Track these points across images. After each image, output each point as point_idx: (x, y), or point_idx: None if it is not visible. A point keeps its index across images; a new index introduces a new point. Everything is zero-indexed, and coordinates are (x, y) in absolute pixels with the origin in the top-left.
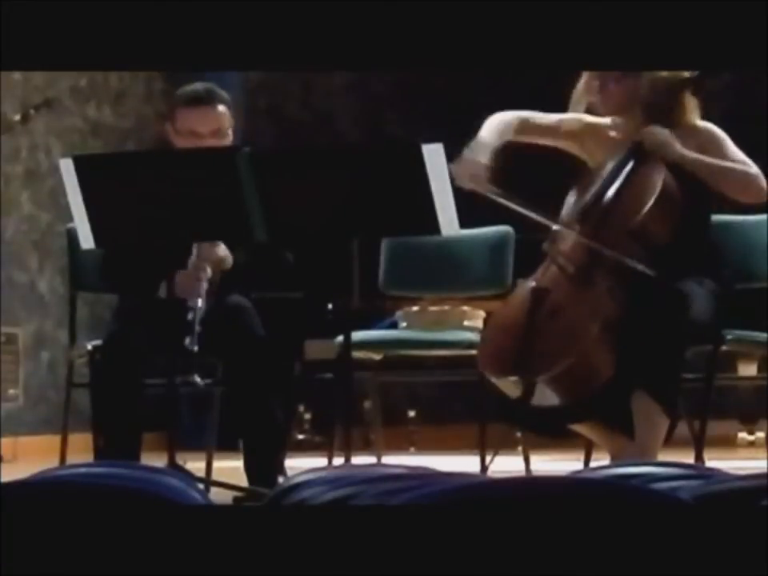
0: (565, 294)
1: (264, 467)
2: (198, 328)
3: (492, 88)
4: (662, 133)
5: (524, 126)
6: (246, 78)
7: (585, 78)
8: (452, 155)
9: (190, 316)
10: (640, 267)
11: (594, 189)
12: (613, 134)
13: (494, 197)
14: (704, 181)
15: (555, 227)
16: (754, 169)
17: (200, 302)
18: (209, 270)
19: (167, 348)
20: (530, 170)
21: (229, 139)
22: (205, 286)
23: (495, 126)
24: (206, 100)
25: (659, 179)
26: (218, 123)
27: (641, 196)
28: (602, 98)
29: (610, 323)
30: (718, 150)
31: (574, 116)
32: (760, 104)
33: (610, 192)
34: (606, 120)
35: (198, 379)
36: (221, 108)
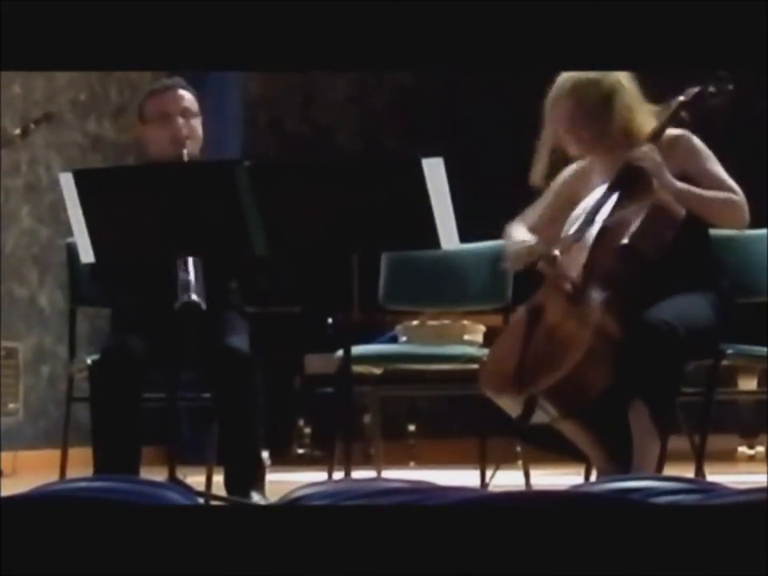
0: (560, 310)
1: (239, 483)
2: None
3: (492, 102)
4: (653, 158)
5: (536, 228)
6: (246, 91)
7: (548, 126)
8: (451, 169)
9: (191, 275)
10: None
11: (588, 210)
12: (598, 170)
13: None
14: (689, 209)
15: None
16: (737, 195)
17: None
18: None
19: (167, 349)
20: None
21: (198, 123)
22: None
23: (517, 235)
24: (170, 85)
25: (649, 197)
26: (185, 103)
27: (631, 214)
28: (571, 139)
29: (606, 336)
30: (698, 164)
31: (560, 181)
32: (760, 110)
33: (602, 211)
34: (585, 162)
35: (196, 298)
36: (187, 93)
